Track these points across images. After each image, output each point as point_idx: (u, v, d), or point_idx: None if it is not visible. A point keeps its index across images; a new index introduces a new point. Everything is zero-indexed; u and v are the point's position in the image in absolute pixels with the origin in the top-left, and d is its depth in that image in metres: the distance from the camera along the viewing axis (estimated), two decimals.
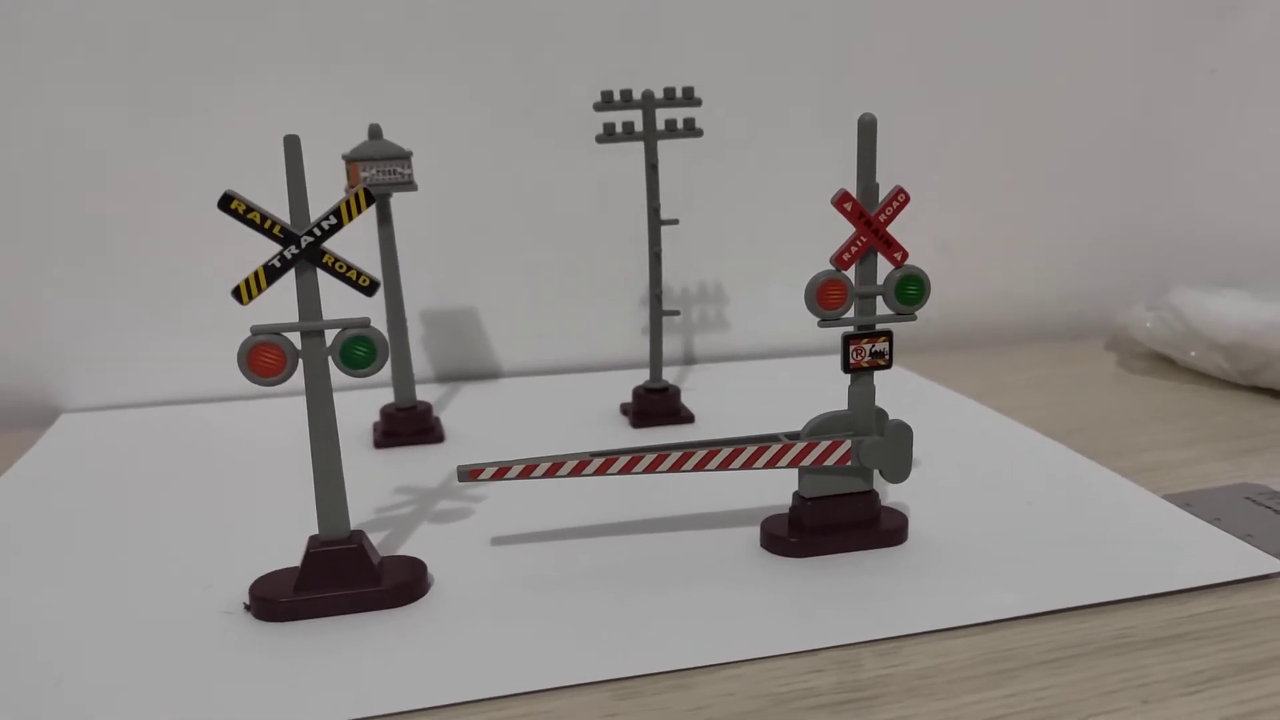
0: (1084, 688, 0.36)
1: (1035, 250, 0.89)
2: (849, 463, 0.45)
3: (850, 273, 0.44)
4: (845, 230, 0.43)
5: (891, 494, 0.51)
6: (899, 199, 0.43)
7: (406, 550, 0.47)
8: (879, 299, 0.45)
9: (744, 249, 0.80)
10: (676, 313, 0.67)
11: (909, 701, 0.35)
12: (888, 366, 0.45)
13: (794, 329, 0.78)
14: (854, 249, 0.44)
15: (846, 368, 0.45)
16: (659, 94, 0.60)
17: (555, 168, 0.75)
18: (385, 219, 0.60)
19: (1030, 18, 0.83)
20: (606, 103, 0.60)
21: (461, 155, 0.73)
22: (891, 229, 0.44)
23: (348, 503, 0.42)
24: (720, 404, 0.68)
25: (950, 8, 0.81)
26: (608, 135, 0.60)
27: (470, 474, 0.45)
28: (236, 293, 0.39)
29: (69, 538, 0.50)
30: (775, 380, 0.76)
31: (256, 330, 0.39)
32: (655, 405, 0.65)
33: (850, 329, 0.45)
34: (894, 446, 0.45)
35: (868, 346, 0.45)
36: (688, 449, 0.45)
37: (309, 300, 0.40)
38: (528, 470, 0.45)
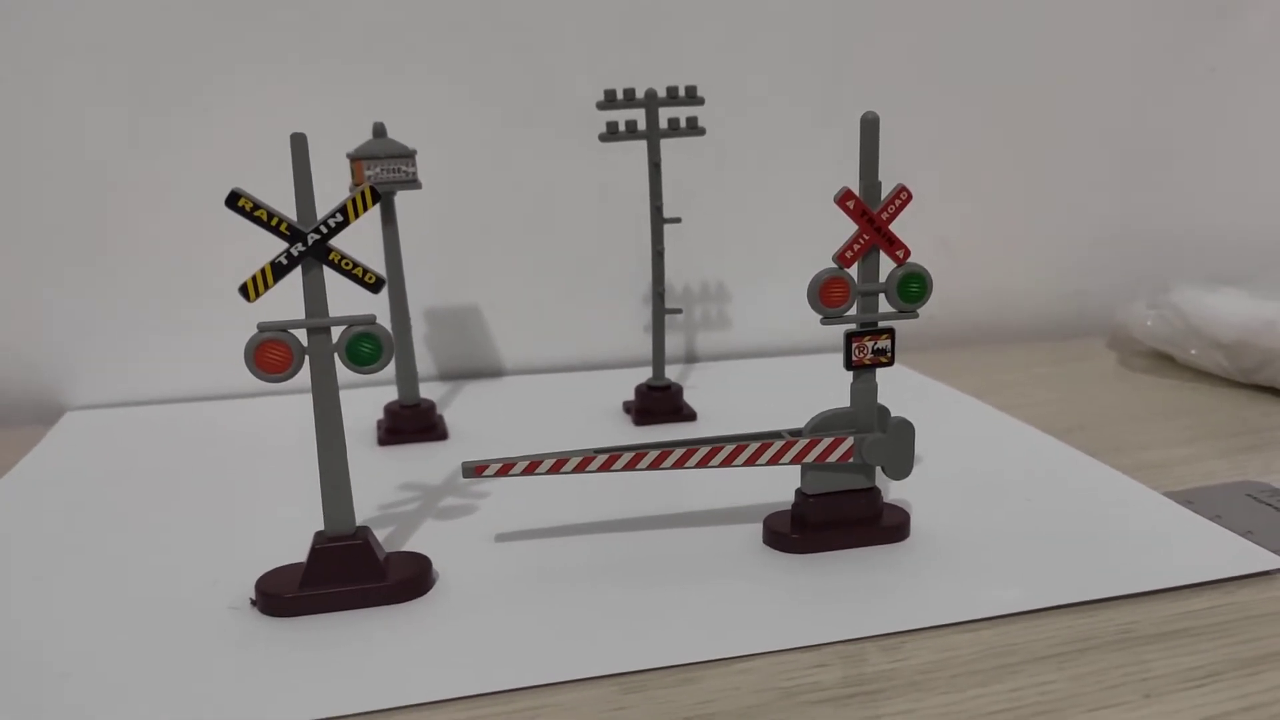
0: (1086, 682, 0.36)
1: (1036, 248, 0.89)
2: (851, 460, 0.46)
3: (853, 270, 0.44)
4: (847, 228, 0.44)
5: (893, 491, 0.52)
6: (901, 197, 0.44)
7: (411, 546, 0.47)
8: (881, 296, 0.45)
9: (746, 247, 0.81)
10: (679, 311, 0.67)
11: (913, 695, 0.36)
12: (890, 364, 0.45)
13: (796, 327, 0.78)
14: (856, 247, 0.44)
15: (849, 365, 0.45)
16: (662, 93, 0.60)
17: (558, 166, 0.76)
18: (389, 217, 0.60)
19: (1030, 17, 0.83)
20: (609, 101, 0.60)
21: (465, 154, 0.74)
22: (893, 227, 0.44)
23: (353, 499, 0.42)
24: (722, 401, 0.69)
25: (950, 7, 0.81)
26: (611, 134, 0.60)
27: (475, 470, 0.45)
28: (244, 289, 0.39)
29: (74, 534, 0.50)
30: (777, 378, 0.76)
31: (263, 327, 0.40)
32: (658, 403, 0.65)
33: (852, 326, 0.45)
34: (896, 443, 0.46)
35: (870, 344, 0.45)
36: (690, 446, 0.46)
37: (315, 297, 0.40)
38: (532, 467, 0.45)
